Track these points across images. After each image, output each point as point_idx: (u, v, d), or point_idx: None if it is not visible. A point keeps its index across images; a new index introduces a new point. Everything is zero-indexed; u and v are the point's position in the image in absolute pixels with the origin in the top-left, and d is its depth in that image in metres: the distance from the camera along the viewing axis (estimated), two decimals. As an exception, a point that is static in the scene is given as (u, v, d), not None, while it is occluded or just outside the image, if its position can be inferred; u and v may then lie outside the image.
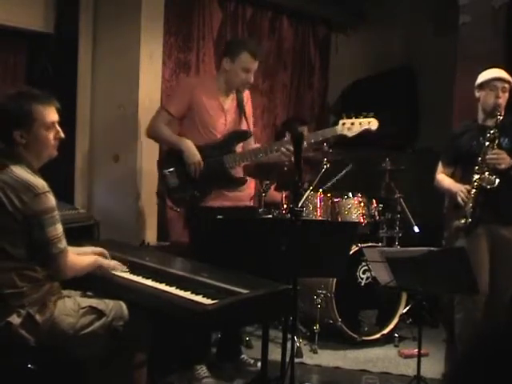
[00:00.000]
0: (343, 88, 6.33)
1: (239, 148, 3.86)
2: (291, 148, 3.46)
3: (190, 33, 5.00)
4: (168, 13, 4.79)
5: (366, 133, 3.61)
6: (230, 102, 3.88)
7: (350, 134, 3.60)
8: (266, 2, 5.56)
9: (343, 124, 3.60)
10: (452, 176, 3.90)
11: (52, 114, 2.62)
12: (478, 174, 3.61)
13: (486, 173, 3.59)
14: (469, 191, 3.62)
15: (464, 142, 3.79)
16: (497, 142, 3.60)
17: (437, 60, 5.60)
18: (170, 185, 3.78)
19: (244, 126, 3.90)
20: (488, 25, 4.81)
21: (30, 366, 2.60)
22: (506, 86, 3.70)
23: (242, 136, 3.88)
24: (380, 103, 5.97)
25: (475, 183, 3.60)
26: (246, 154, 3.80)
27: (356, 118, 3.59)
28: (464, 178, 3.75)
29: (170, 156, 3.82)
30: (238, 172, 3.91)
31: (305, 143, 3.45)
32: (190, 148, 3.71)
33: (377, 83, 6.07)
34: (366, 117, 3.59)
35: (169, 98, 3.94)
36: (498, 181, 3.55)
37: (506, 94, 3.70)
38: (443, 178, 3.89)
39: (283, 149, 3.65)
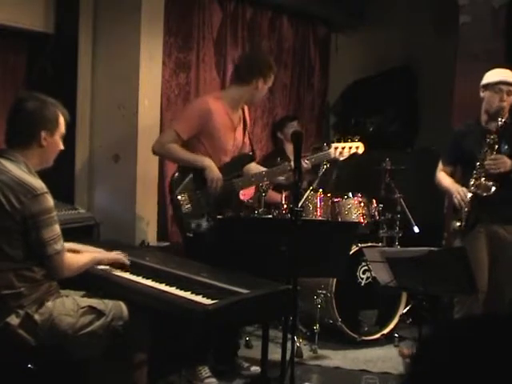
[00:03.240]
0: (343, 88, 6.33)
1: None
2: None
3: (189, 33, 5.00)
4: (168, 13, 4.79)
5: (353, 156, 3.87)
6: (238, 117, 3.93)
7: (341, 157, 3.85)
8: (266, 2, 5.56)
9: (335, 148, 3.82)
10: (452, 175, 3.90)
11: (64, 126, 2.71)
12: (474, 178, 3.60)
13: (483, 178, 3.57)
14: (465, 194, 3.61)
15: (466, 144, 3.77)
16: (496, 147, 3.58)
17: (437, 60, 5.60)
18: (182, 210, 3.77)
19: (246, 142, 4.01)
20: (488, 25, 4.80)
21: (29, 366, 2.60)
22: None
23: (248, 159, 3.99)
24: (380, 103, 6.02)
25: (472, 188, 3.60)
26: (252, 178, 3.90)
27: (345, 142, 3.84)
28: (463, 179, 3.75)
29: (182, 180, 3.81)
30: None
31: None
32: (212, 165, 3.74)
33: (377, 83, 6.07)
34: (353, 141, 3.84)
35: (181, 120, 3.87)
36: (493, 189, 3.54)
37: (511, 98, 3.67)
38: (444, 177, 3.89)
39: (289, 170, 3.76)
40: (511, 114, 3.73)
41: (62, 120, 2.68)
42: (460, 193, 3.65)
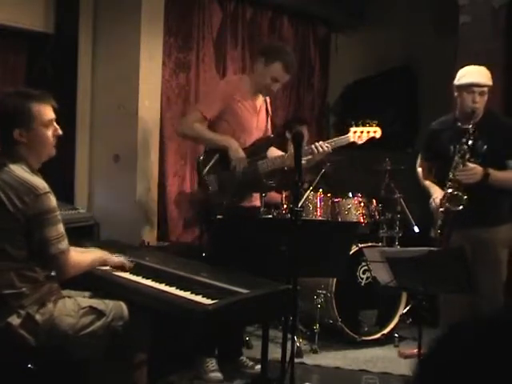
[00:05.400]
0: (343, 88, 6.33)
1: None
2: (318, 149, 3.73)
3: (189, 33, 5.00)
4: (168, 13, 4.80)
5: (370, 140, 3.85)
6: (260, 103, 3.97)
7: (359, 141, 3.82)
8: (265, 2, 5.56)
9: (354, 132, 3.81)
10: (430, 170, 3.93)
11: (49, 112, 2.63)
12: (449, 187, 3.58)
13: (450, 190, 3.55)
14: (440, 204, 3.61)
15: (442, 143, 3.74)
16: (467, 156, 3.52)
17: (437, 60, 5.60)
18: (209, 190, 3.81)
19: (269, 129, 4.09)
20: (488, 25, 4.80)
21: (29, 366, 2.60)
22: (485, 89, 3.60)
23: (272, 142, 4.04)
24: (380, 103, 6.01)
25: (443, 201, 3.59)
26: (276, 160, 3.89)
27: (363, 126, 3.82)
28: (438, 177, 3.77)
29: (209, 160, 3.84)
30: None
31: (318, 150, 3.73)
32: (235, 145, 3.77)
33: (377, 83, 6.07)
34: (371, 125, 3.83)
35: (205, 100, 4.00)
36: (461, 207, 3.50)
37: (485, 97, 3.61)
38: (421, 175, 3.96)
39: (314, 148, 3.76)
40: (488, 113, 3.68)
41: (38, 109, 2.57)
42: (435, 201, 3.67)
